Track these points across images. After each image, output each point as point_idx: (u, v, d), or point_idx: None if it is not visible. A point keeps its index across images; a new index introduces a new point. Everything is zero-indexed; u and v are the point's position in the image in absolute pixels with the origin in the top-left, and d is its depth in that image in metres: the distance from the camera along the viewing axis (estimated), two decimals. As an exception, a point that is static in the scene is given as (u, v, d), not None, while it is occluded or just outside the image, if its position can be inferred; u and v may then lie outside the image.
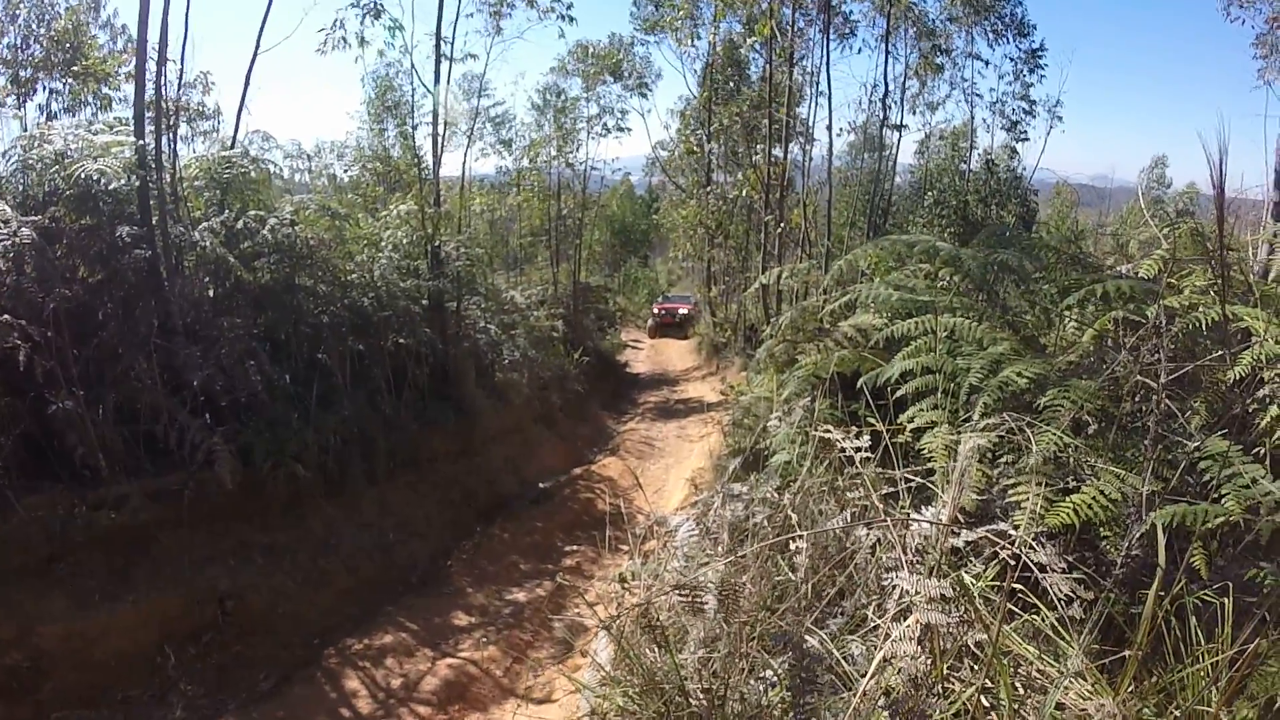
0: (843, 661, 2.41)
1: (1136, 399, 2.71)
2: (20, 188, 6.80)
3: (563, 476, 11.66)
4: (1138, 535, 2.10)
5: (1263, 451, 2.28)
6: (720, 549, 3.19)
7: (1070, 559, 2.65)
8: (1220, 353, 2.57)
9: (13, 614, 5.34)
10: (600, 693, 2.86)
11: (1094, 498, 2.45)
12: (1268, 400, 2.39)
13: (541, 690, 5.96)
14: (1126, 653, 1.99)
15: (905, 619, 2.16)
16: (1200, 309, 2.69)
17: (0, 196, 6.40)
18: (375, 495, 8.63)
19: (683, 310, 27.00)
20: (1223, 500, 2.09)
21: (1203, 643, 2.04)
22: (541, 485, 11.21)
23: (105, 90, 9.73)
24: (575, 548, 8.79)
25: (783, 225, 15.65)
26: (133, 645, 5.70)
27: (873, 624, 2.45)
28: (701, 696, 2.44)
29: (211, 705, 5.59)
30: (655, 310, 28.53)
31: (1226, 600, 2.04)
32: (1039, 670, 2.32)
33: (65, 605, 5.59)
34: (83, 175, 6.40)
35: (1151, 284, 3.02)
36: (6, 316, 5.67)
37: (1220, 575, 2.15)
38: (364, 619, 6.88)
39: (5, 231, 5.82)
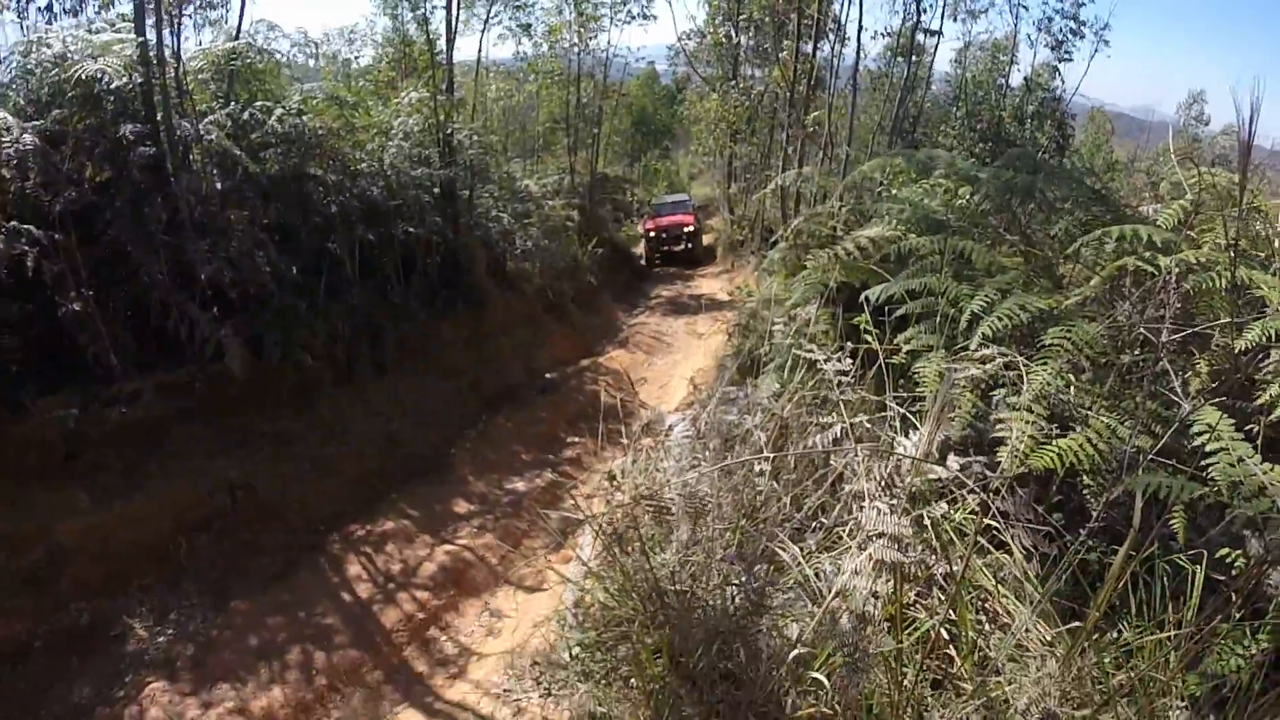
0: (812, 579, 2.47)
1: (1138, 351, 2.65)
2: (22, 93, 6.69)
3: (570, 368, 11.78)
4: (1117, 493, 2.09)
5: (1256, 429, 2.23)
6: (711, 453, 3.24)
7: (1055, 500, 2.68)
8: (1226, 321, 2.48)
9: (33, 512, 5.54)
10: (584, 586, 2.96)
11: (1080, 445, 2.43)
12: (1270, 376, 2.32)
13: (534, 579, 6.20)
14: (1091, 609, 2.01)
15: (865, 550, 2.20)
16: (1217, 268, 2.58)
17: (1, 104, 6.33)
18: (383, 384, 8.78)
19: (689, 225, 20.16)
20: (1209, 470, 2.06)
21: (1169, 608, 2.06)
22: (549, 375, 11.31)
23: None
24: (577, 439, 8.91)
25: (808, 127, 15.14)
26: (148, 536, 5.91)
27: (845, 546, 2.50)
28: (675, 600, 2.52)
29: (222, 591, 5.84)
30: (647, 229, 20.67)
31: (1199, 569, 2.06)
32: (1006, 609, 2.37)
33: (83, 501, 5.80)
34: (84, 76, 6.29)
35: (1171, 234, 2.90)
36: (13, 223, 5.68)
37: (1201, 542, 2.15)
38: (368, 506, 7.11)
39: (8, 139, 5.76)
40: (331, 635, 5.45)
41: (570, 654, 2.75)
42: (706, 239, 21.68)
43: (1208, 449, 2.04)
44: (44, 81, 6.56)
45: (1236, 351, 2.39)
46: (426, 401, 9.12)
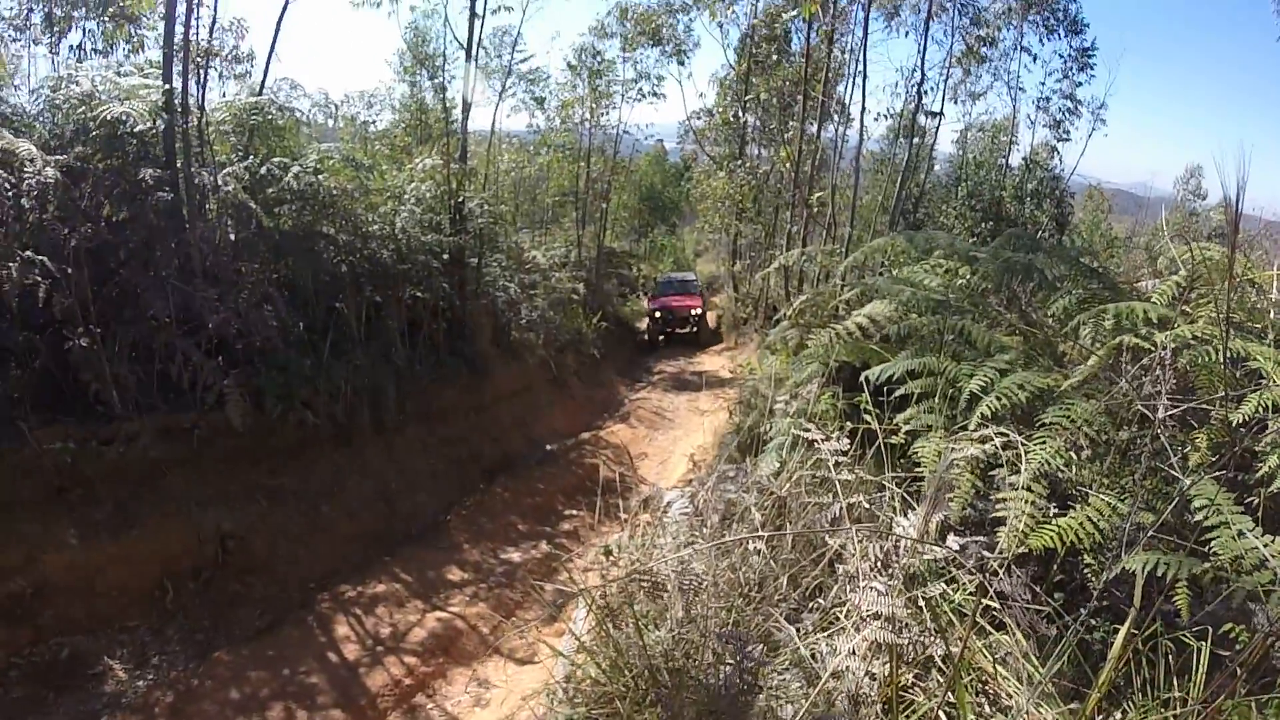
0: (808, 659, 2.43)
1: (1135, 428, 2.65)
2: (48, 127, 6.86)
3: (570, 440, 11.72)
4: (1116, 571, 2.07)
5: (1256, 502, 2.21)
6: (708, 530, 3.21)
7: (1056, 579, 2.65)
8: (1222, 394, 2.49)
9: (21, 541, 5.50)
10: (575, 660, 2.90)
11: (1080, 523, 2.42)
12: (1270, 447, 2.32)
13: (525, 651, 6.06)
14: (1093, 690, 1.97)
15: (860, 632, 2.17)
16: (1213, 342, 2.60)
17: (28, 135, 6.44)
18: (382, 446, 8.73)
19: (695, 309, 19.94)
20: (1210, 544, 2.05)
21: (1175, 685, 2.02)
22: (548, 447, 11.28)
23: (137, 33, 9.70)
24: (575, 512, 8.85)
25: (810, 207, 15.47)
26: (135, 578, 5.86)
27: (841, 626, 2.47)
28: (667, 677, 2.47)
29: (206, 640, 5.76)
30: (652, 308, 20.29)
31: (1204, 644, 2.02)
32: (1007, 691, 2.31)
33: (72, 536, 5.75)
34: (109, 116, 6.44)
35: (1166, 310, 2.94)
36: (28, 253, 5.75)
37: (1203, 616, 2.12)
38: (361, 567, 7.02)
39: (31, 170, 5.85)
40: (315, 695, 5.31)
41: (559, 729, 2.68)
42: (711, 316, 21.63)
43: (1208, 523, 2.03)
44: (70, 118, 6.71)
45: (1234, 424, 2.39)
46: (424, 466, 9.08)
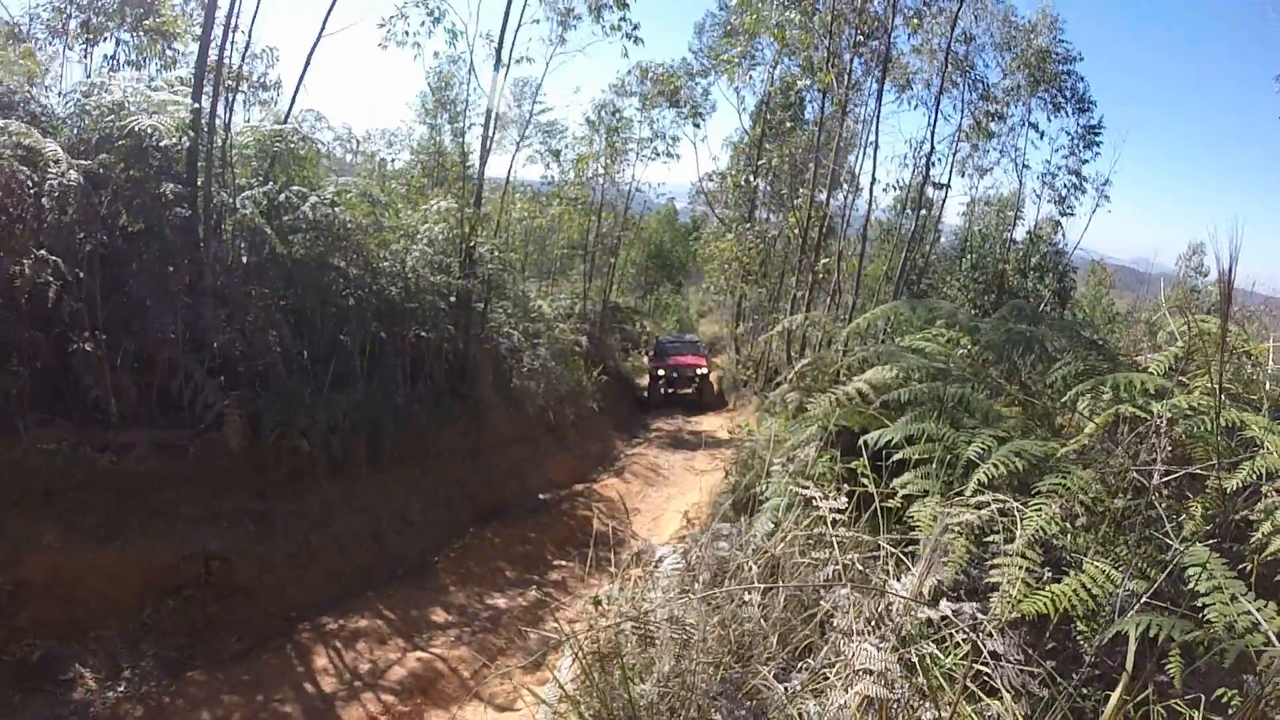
0: (797, 719, 2.40)
1: (1130, 496, 2.67)
2: (75, 131, 6.97)
3: (564, 491, 11.64)
4: (1109, 637, 2.06)
5: (1250, 568, 2.23)
6: (699, 586, 3.19)
7: (1049, 646, 2.63)
8: (1216, 462, 2.52)
9: (4, 539, 5.45)
10: (558, 709, 2.86)
11: (1074, 590, 2.42)
12: (1263, 514, 2.34)
13: (506, 697, 5.93)
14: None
15: (853, 687, 2.15)
16: (1208, 412, 2.65)
17: (55, 137, 6.55)
18: (376, 481, 8.67)
19: (701, 368, 19.49)
20: (1205, 610, 2.05)
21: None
22: (542, 496, 11.19)
23: (171, 50, 9.96)
24: (564, 563, 8.74)
25: (816, 273, 15.66)
26: (115, 589, 5.79)
27: (831, 684, 2.44)
28: (653, 731, 2.44)
29: (181, 659, 5.67)
30: (654, 367, 19.85)
31: (1196, 713, 2.00)
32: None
33: (56, 539, 5.69)
34: (136, 128, 6.57)
35: (1163, 380, 2.99)
36: (43, 252, 5.81)
37: (1197, 683, 2.11)
38: (344, 600, 6.92)
39: (55, 171, 5.95)
40: (287, 724, 5.21)
41: (537, 779, 2.63)
42: (713, 378, 21.14)
43: (1201, 589, 2.03)
44: (98, 125, 6.81)
45: (1228, 492, 2.41)
46: (416, 505, 9.00)
